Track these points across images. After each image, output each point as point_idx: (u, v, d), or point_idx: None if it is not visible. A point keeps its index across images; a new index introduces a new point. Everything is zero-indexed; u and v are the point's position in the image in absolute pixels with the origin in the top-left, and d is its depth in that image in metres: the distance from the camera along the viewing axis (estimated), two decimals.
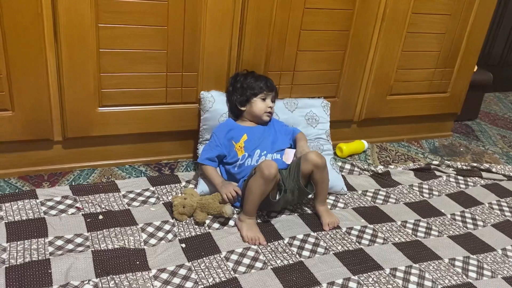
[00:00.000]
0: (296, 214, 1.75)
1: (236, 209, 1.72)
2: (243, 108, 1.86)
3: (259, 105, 1.84)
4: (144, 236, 1.53)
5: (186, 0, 1.73)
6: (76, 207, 1.62)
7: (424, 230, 1.75)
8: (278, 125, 1.92)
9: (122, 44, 1.71)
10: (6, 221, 1.51)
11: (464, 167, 2.27)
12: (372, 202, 1.91)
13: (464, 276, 1.52)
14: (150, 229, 1.56)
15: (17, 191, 1.69)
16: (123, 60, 1.74)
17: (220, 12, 1.81)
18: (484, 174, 2.23)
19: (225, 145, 1.80)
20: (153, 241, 1.51)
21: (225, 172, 1.82)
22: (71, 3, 1.58)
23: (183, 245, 1.50)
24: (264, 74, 1.94)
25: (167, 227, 1.59)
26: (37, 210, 1.58)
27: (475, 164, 2.29)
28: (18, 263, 1.34)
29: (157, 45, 1.77)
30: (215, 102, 1.89)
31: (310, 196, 1.76)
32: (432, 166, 2.24)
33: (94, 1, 1.60)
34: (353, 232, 1.69)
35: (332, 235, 1.65)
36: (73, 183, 1.79)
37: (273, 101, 1.88)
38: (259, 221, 1.67)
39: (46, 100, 1.70)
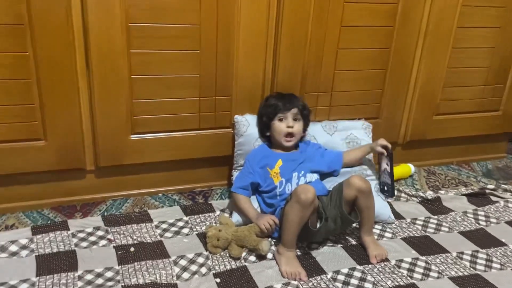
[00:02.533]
0: (339, 245, 1.62)
1: (274, 239, 1.61)
2: (268, 134, 1.77)
3: (277, 127, 1.72)
4: (177, 269, 1.44)
5: (218, 23, 1.69)
6: (108, 239, 1.57)
7: (483, 262, 1.59)
8: (315, 146, 1.81)
9: (154, 70, 1.68)
10: (37, 254, 1.47)
11: None
12: (422, 231, 1.75)
13: None
14: (183, 262, 1.48)
15: (49, 222, 1.66)
16: (155, 86, 1.70)
17: (253, 33, 1.75)
18: None
19: (258, 172, 1.70)
20: (186, 275, 1.42)
21: (262, 201, 1.71)
22: (103, 30, 1.56)
23: (218, 280, 1.41)
24: (293, 93, 1.82)
25: (200, 260, 1.50)
26: (68, 242, 1.54)
27: None
28: None
29: (190, 70, 1.73)
30: (250, 126, 1.81)
31: (354, 225, 1.63)
32: (487, 191, 2.07)
33: (126, 26, 1.59)
34: (403, 265, 1.54)
35: (380, 269, 1.51)
36: (106, 214, 1.74)
37: (296, 119, 1.72)
38: (299, 253, 1.55)
39: (78, 129, 1.67)
